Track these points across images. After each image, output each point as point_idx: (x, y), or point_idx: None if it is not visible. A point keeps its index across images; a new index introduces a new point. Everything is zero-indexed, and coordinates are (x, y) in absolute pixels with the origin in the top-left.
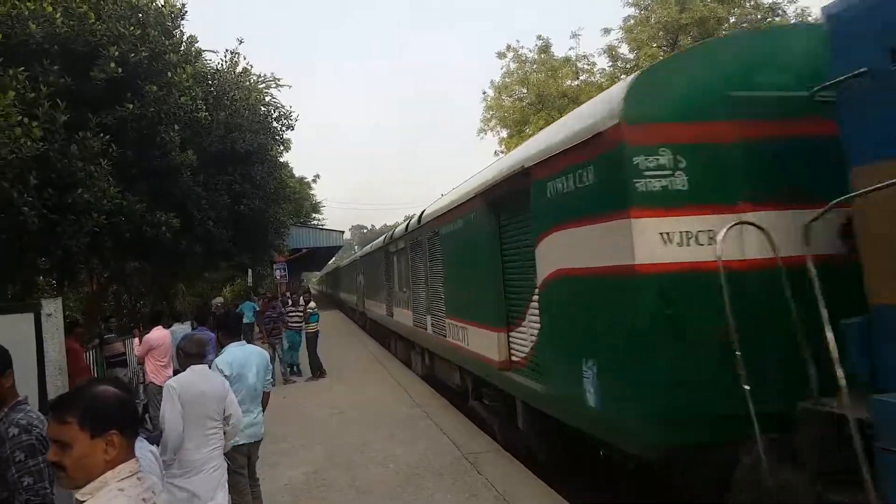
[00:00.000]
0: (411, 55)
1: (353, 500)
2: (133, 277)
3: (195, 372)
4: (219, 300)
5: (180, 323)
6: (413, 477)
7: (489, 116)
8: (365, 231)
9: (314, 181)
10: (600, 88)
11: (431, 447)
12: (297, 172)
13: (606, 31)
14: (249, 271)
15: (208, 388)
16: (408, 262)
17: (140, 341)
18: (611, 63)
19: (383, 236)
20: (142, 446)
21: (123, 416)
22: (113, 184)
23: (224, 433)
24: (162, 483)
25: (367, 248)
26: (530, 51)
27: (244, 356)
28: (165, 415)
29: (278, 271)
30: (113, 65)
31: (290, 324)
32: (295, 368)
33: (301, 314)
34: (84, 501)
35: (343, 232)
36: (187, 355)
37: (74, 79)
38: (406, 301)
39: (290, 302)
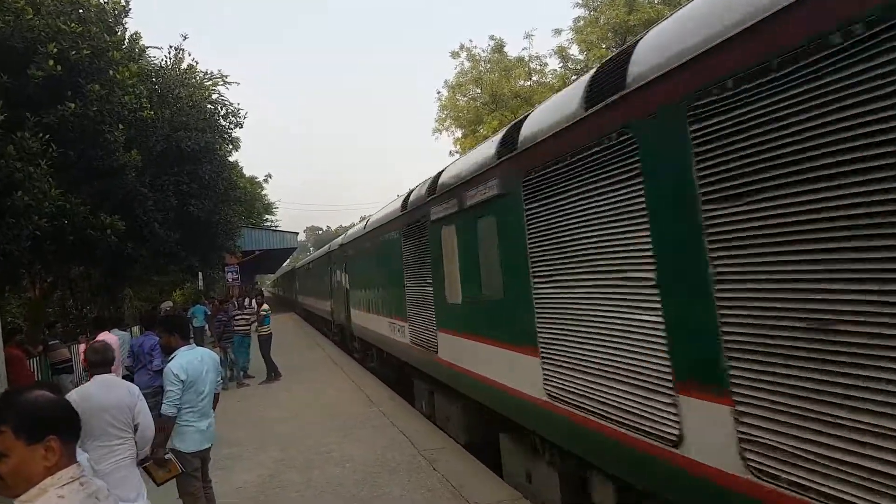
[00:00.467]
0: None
1: (308, 500)
2: (78, 282)
3: (97, 382)
4: (168, 304)
5: (119, 329)
6: (370, 476)
7: (444, 116)
8: (320, 232)
9: (265, 181)
10: (552, 89)
11: (389, 446)
12: (248, 172)
13: (557, 31)
14: (200, 274)
15: (113, 398)
16: (524, 236)
17: (87, 347)
18: (561, 64)
19: (403, 197)
20: (78, 453)
21: (61, 420)
22: (54, 185)
23: (135, 442)
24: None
25: (359, 226)
26: (483, 51)
27: (197, 360)
28: None
29: (230, 274)
30: (52, 62)
31: (236, 328)
32: (243, 372)
33: (248, 318)
34: None
35: (297, 233)
36: (91, 364)
37: (11, 77)
38: (506, 325)
39: (236, 305)
